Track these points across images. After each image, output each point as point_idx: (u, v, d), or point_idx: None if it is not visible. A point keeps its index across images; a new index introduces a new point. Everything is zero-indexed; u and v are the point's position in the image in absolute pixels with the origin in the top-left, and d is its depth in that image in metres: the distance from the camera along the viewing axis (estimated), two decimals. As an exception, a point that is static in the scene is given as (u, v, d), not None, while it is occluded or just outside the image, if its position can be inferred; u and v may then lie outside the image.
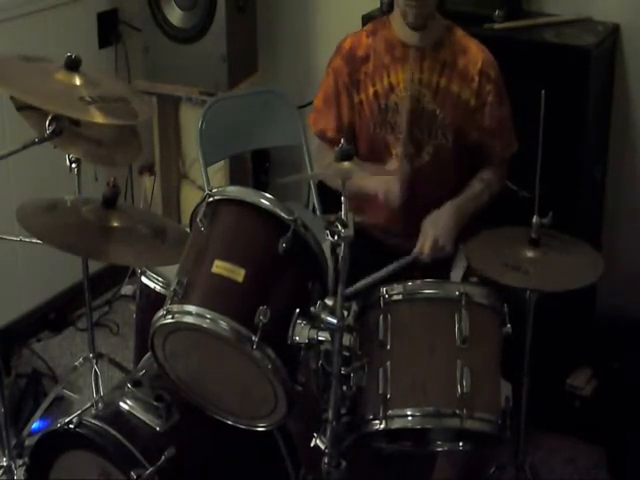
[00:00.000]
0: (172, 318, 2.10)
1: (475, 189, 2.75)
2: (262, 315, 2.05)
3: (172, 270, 2.25)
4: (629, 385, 3.11)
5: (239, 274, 2.09)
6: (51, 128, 2.33)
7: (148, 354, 2.31)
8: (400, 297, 2.27)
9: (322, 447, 2.16)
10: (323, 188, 3.23)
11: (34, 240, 2.37)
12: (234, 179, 3.66)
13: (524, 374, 2.54)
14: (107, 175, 2.63)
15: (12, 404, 3.17)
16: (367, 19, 3.22)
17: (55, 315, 3.83)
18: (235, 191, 2.21)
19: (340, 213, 2.04)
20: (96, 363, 2.96)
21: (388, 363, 2.20)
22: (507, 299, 2.33)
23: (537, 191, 2.45)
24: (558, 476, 3.09)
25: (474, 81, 2.70)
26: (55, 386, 3.30)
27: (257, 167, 3.90)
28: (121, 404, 2.37)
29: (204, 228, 2.16)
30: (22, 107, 2.47)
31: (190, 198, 3.87)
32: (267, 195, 2.15)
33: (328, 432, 2.14)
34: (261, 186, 3.85)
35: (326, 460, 2.15)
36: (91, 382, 2.94)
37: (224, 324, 2.05)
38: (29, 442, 2.84)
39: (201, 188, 3.62)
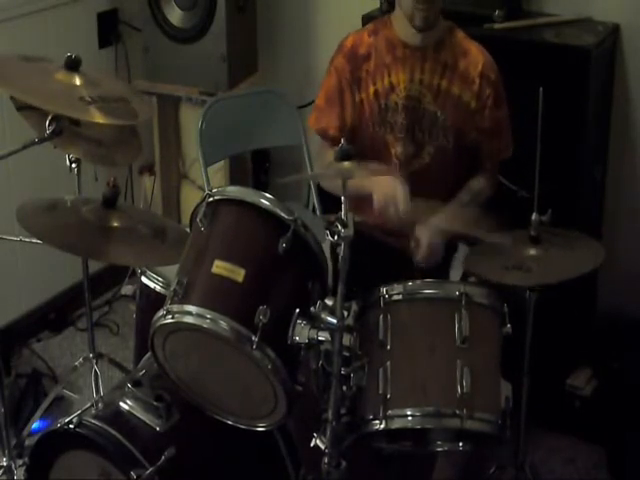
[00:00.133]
0: (172, 318, 2.10)
1: (462, 201, 2.75)
2: (262, 315, 2.05)
3: (172, 270, 2.25)
4: (629, 385, 3.11)
5: (239, 274, 2.09)
6: (51, 128, 2.33)
7: (148, 354, 2.31)
8: (400, 297, 2.26)
9: (322, 447, 2.16)
10: (323, 188, 3.22)
11: (34, 240, 2.37)
12: (234, 179, 3.67)
13: (524, 374, 2.54)
14: (107, 175, 2.63)
15: (12, 404, 3.17)
16: (367, 19, 3.23)
17: (55, 315, 3.83)
18: (235, 191, 2.20)
19: (340, 213, 2.04)
20: (96, 363, 2.96)
21: (388, 363, 2.20)
22: (507, 299, 2.33)
23: (537, 191, 2.45)
24: (558, 476, 3.09)
25: (475, 83, 2.70)
26: (55, 386, 3.31)
27: (257, 167, 3.90)
28: (121, 404, 2.37)
29: (204, 228, 2.16)
30: (22, 107, 2.47)
31: (190, 198, 3.87)
32: (267, 195, 2.15)
33: (328, 432, 2.14)
34: (261, 186, 3.85)
35: (326, 460, 2.15)
36: (91, 382, 2.94)
37: (224, 324, 2.05)
38: (29, 442, 2.84)
39: (201, 188, 3.62)
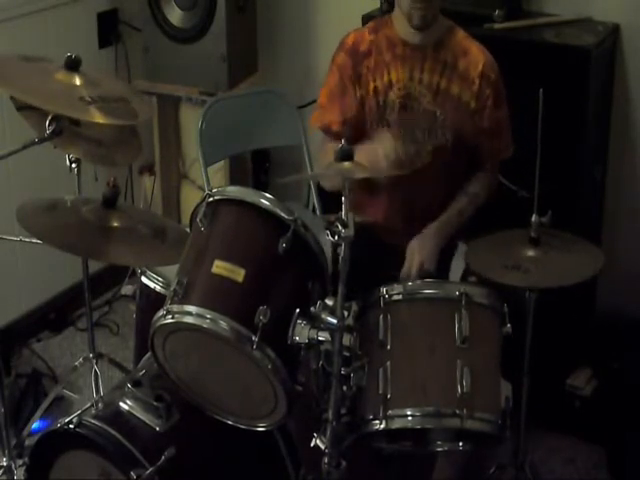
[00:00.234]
0: (172, 318, 2.10)
1: (460, 205, 2.76)
2: (262, 315, 2.05)
3: (172, 270, 2.25)
4: (629, 385, 3.11)
5: (239, 274, 2.09)
6: (51, 128, 2.33)
7: (148, 354, 2.31)
8: (400, 297, 2.27)
9: (322, 447, 2.16)
10: (323, 188, 3.22)
11: (34, 240, 2.37)
12: (234, 179, 3.67)
13: (524, 374, 2.54)
14: (107, 175, 2.62)
15: (12, 404, 3.17)
16: (367, 19, 3.23)
17: (55, 315, 3.83)
18: (235, 191, 2.20)
19: (340, 213, 2.04)
20: (96, 363, 2.96)
21: (388, 363, 2.20)
22: (507, 299, 2.33)
23: (536, 190, 2.45)
24: (558, 476, 3.09)
25: (475, 84, 2.70)
26: (55, 386, 3.31)
27: (257, 167, 3.90)
28: (121, 404, 2.36)
29: (204, 228, 2.16)
30: (22, 107, 2.47)
31: (190, 198, 3.87)
32: (267, 195, 2.15)
33: (328, 432, 2.14)
34: (261, 186, 3.85)
35: (326, 460, 2.15)
36: (91, 382, 2.94)
37: (224, 324, 2.05)
38: (29, 442, 2.84)
39: (201, 188, 3.62)
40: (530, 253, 2.45)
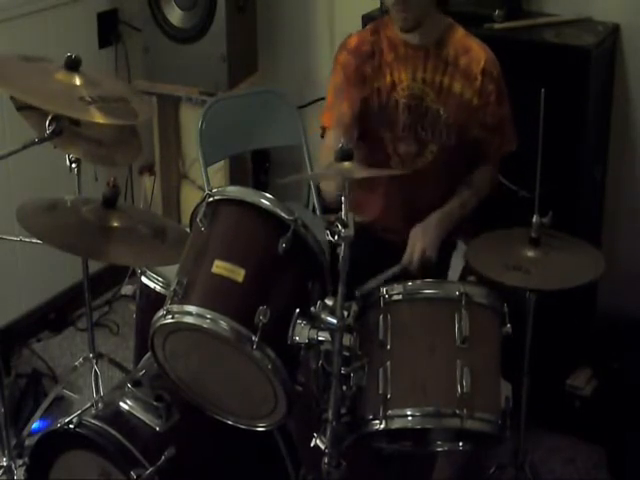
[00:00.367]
0: (172, 318, 2.10)
1: (463, 196, 2.76)
2: (262, 315, 2.04)
3: (172, 270, 2.25)
4: (629, 385, 3.11)
5: (239, 274, 2.09)
6: (51, 128, 2.33)
7: (148, 354, 2.31)
8: (400, 297, 2.26)
9: (322, 447, 2.15)
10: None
11: (34, 240, 2.37)
12: (234, 179, 3.67)
13: (524, 374, 2.54)
14: (107, 175, 2.62)
15: (12, 404, 3.17)
16: (367, 19, 3.23)
17: (55, 315, 3.83)
18: (235, 191, 2.20)
19: (340, 213, 2.04)
20: (96, 363, 2.96)
21: (388, 363, 2.20)
22: (507, 299, 2.33)
23: (537, 191, 2.45)
24: (558, 476, 3.09)
25: (477, 80, 2.70)
26: (55, 386, 3.31)
27: (257, 167, 3.90)
28: (121, 404, 2.36)
29: (204, 228, 2.16)
30: (22, 107, 2.47)
31: (190, 198, 3.87)
32: (267, 195, 2.15)
33: (328, 432, 2.14)
34: (261, 186, 3.85)
35: (326, 460, 2.15)
36: (91, 382, 2.94)
37: (224, 324, 2.05)
38: (29, 442, 2.84)
39: (201, 188, 3.62)
40: (530, 253, 2.45)
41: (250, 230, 2.18)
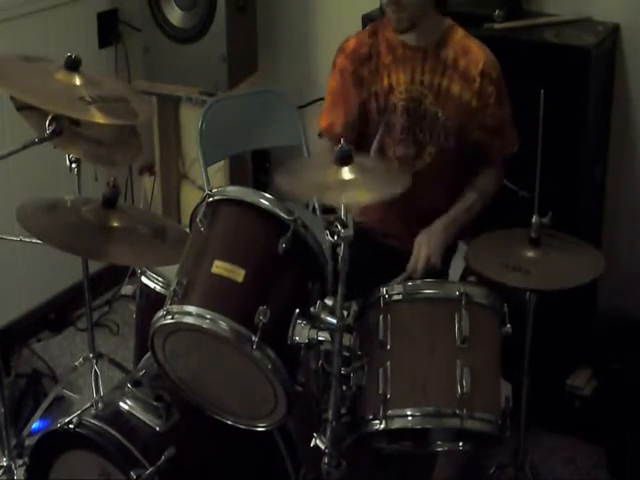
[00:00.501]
0: (172, 318, 2.10)
1: (468, 200, 2.75)
2: (262, 315, 2.05)
3: (172, 270, 2.25)
4: (629, 385, 3.11)
5: (239, 274, 2.09)
6: (51, 128, 2.33)
7: (148, 354, 2.31)
8: (400, 297, 2.27)
9: (322, 447, 2.15)
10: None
11: (34, 240, 2.37)
12: (234, 179, 3.67)
13: (524, 374, 2.54)
14: (107, 175, 2.63)
15: (12, 404, 3.17)
16: (367, 19, 3.22)
17: (55, 315, 3.83)
18: (235, 191, 2.20)
19: (340, 213, 2.04)
20: (96, 363, 2.96)
21: (388, 363, 2.20)
22: (507, 299, 2.33)
23: (537, 191, 2.45)
24: (558, 476, 3.09)
25: (475, 82, 2.69)
26: (55, 386, 3.30)
27: (257, 167, 3.90)
28: (121, 404, 2.37)
29: (204, 228, 2.16)
30: (22, 107, 2.47)
31: (190, 198, 3.87)
32: (267, 195, 2.15)
33: (328, 432, 2.14)
34: (261, 186, 3.85)
35: (326, 460, 2.15)
36: (91, 382, 2.94)
37: (224, 324, 2.05)
38: (29, 442, 2.84)
39: (201, 188, 3.62)
40: (530, 254, 2.45)
41: (250, 230, 2.18)
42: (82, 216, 2.43)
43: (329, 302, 2.11)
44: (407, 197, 2.74)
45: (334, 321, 2.08)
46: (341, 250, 2.03)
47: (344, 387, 2.19)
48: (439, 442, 2.39)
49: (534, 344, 2.51)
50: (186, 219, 2.32)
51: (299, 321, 2.10)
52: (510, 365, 2.33)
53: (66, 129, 2.40)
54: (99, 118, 2.27)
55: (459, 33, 2.73)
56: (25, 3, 3.51)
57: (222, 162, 3.56)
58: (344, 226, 2.02)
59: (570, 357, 3.23)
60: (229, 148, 3.47)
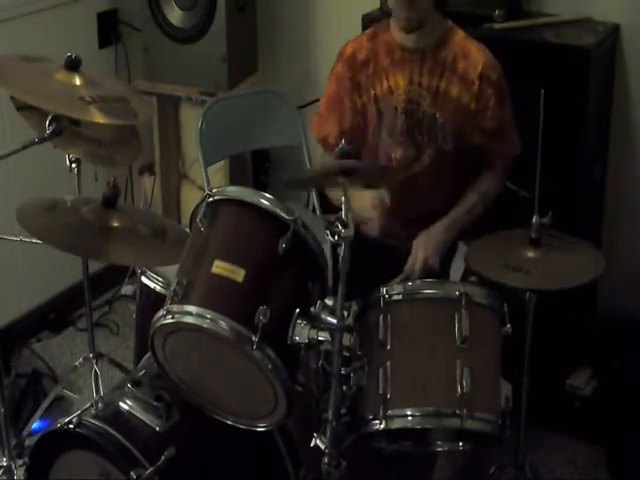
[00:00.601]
0: (172, 318, 2.10)
1: (469, 202, 2.74)
2: (262, 315, 2.05)
3: (172, 270, 2.25)
4: (629, 385, 3.10)
5: (239, 274, 2.09)
6: (51, 128, 2.34)
7: (148, 354, 2.31)
8: (400, 297, 2.27)
9: (322, 447, 2.15)
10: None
11: (34, 240, 2.37)
12: (234, 179, 3.66)
13: (524, 374, 2.54)
14: (107, 175, 2.63)
15: (12, 404, 3.17)
16: (367, 19, 3.22)
17: (55, 315, 3.83)
18: (235, 191, 2.20)
19: (340, 213, 2.04)
20: (96, 363, 2.96)
21: (388, 363, 2.20)
22: (507, 299, 2.33)
23: (537, 191, 2.45)
24: (558, 476, 3.09)
25: (474, 85, 2.68)
26: (55, 386, 3.30)
27: (257, 167, 3.90)
28: (121, 404, 2.37)
29: (204, 228, 2.16)
30: (22, 107, 2.47)
31: (190, 198, 3.87)
32: (267, 195, 2.15)
33: (328, 432, 2.14)
34: (261, 186, 3.85)
35: (326, 460, 2.15)
36: (91, 382, 2.94)
37: (224, 324, 2.05)
38: (29, 442, 2.84)
39: (201, 188, 3.62)
40: (530, 254, 2.45)
41: (250, 230, 2.18)
42: (82, 216, 2.43)
43: (329, 302, 2.11)
44: (407, 198, 2.76)
45: (334, 321, 2.08)
46: (341, 250, 2.03)
47: (344, 387, 2.19)
48: (439, 442, 2.39)
49: (534, 344, 2.50)
50: (186, 219, 2.32)
51: (299, 321, 2.10)
52: (510, 365, 2.33)
53: (66, 129, 2.40)
54: (99, 118, 2.27)
55: (459, 35, 2.73)
56: (25, 3, 3.51)
57: (222, 162, 3.56)
58: (344, 226, 2.02)
59: (570, 357, 3.23)
60: (229, 148, 3.47)
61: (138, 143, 2.74)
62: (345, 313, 2.09)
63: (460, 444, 2.37)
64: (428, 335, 2.24)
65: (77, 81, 2.35)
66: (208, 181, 3.30)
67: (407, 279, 2.57)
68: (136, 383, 2.37)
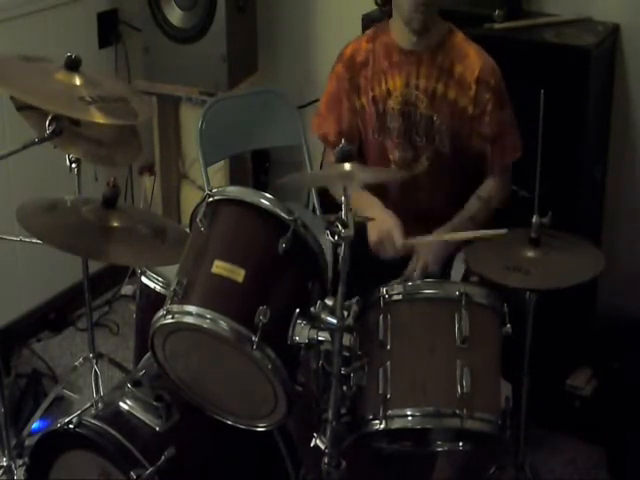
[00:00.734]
0: (172, 318, 2.10)
1: (472, 209, 2.74)
2: (262, 315, 2.05)
3: (172, 270, 2.25)
4: (629, 385, 3.11)
5: (239, 274, 2.09)
6: (51, 128, 2.34)
7: (148, 354, 2.31)
8: (400, 297, 2.27)
9: (322, 447, 2.15)
10: (323, 188, 3.22)
11: (34, 240, 2.37)
12: (234, 179, 3.67)
13: (524, 374, 2.54)
14: (107, 175, 2.63)
15: (12, 404, 3.17)
16: (367, 19, 3.23)
17: (55, 315, 3.83)
18: (235, 191, 2.20)
19: (340, 213, 2.04)
20: (96, 363, 2.96)
21: (388, 363, 2.20)
22: (507, 299, 2.33)
23: (537, 191, 2.45)
24: (558, 476, 3.09)
25: (471, 89, 2.67)
26: (55, 386, 3.30)
27: (257, 167, 3.90)
28: (121, 404, 2.37)
29: (204, 228, 2.16)
30: (22, 107, 2.47)
31: (190, 198, 3.87)
32: (267, 195, 2.15)
33: (328, 432, 2.14)
34: (261, 186, 3.85)
35: (326, 460, 2.15)
36: (91, 382, 2.94)
37: (224, 324, 2.05)
38: (29, 442, 2.84)
39: (201, 188, 3.62)
40: (530, 254, 2.44)
41: (250, 230, 2.18)
42: (82, 216, 2.43)
43: (329, 302, 2.11)
44: (406, 200, 2.77)
45: (334, 321, 2.08)
46: (341, 250, 2.03)
47: (344, 387, 2.19)
48: (439, 442, 2.39)
49: (534, 344, 2.50)
50: (186, 219, 2.32)
51: (299, 321, 2.10)
52: (510, 365, 2.33)
53: (66, 129, 2.40)
54: (99, 118, 2.27)
55: (458, 37, 2.72)
56: (25, 3, 3.51)
57: (222, 162, 3.56)
58: (344, 226, 2.02)
59: (570, 357, 3.23)
60: (229, 148, 3.47)
61: (138, 143, 2.74)
62: (345, 313, 2.09)
63: (460, 444, 2.37)
64: (428, 335, 2.24)
65: (77, 81, 2.35)
66: (208, 181, 3.30)
67: (407, 279, 2.57)
68: (136, 383, 2.37)
